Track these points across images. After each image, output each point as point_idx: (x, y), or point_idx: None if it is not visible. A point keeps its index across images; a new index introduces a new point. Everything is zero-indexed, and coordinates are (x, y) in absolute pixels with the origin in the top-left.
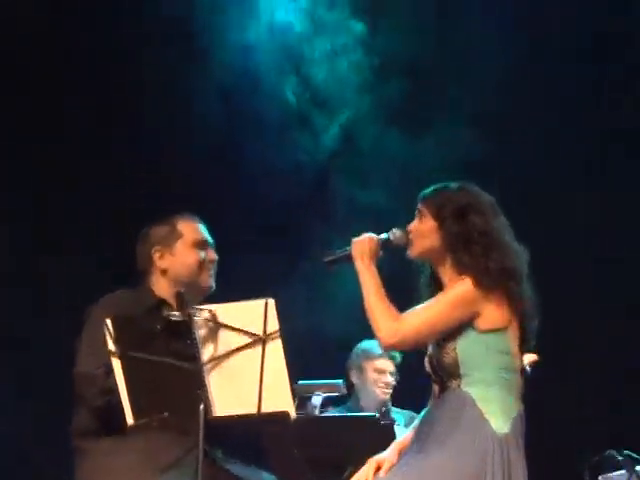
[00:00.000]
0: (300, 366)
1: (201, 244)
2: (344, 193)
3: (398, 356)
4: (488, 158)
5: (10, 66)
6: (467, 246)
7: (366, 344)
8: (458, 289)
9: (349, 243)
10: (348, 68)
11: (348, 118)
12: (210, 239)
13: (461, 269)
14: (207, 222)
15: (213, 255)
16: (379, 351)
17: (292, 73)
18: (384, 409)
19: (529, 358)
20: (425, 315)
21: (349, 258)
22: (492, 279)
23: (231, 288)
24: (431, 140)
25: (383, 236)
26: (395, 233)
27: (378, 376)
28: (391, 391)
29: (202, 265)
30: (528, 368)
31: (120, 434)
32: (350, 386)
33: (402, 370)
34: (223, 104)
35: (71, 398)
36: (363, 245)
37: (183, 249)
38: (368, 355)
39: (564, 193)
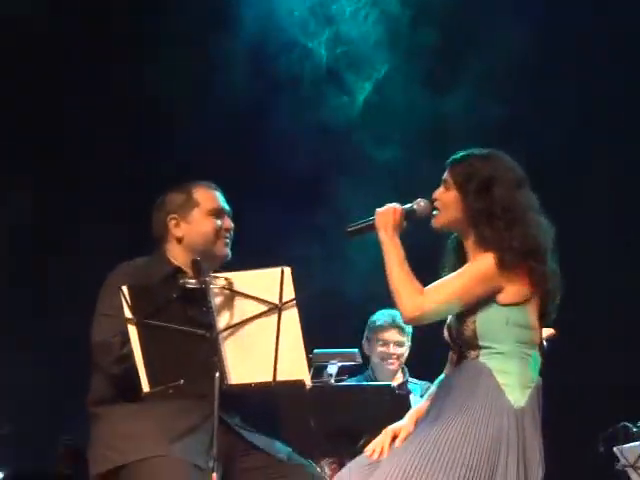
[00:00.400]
0: (317, 330)
1: (217, 212)
2: (371, 151)
3: (406, 326)
4: (513, 119)
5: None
6: (490, 220)
7: (375, 316)
8: (480, 265)
9: (373, 213)
10: (379, 20)
11: (379, 73)
12: (227, 207)
13: (483, 244)
14: (232, 179)
15: (229, 223)
16: (383, 322)
17: (323, 27)
18: (403, 380)
19: (546, 332)
20: (448, 289)
21: (372, 228)
22: (514, 257)
23: (250, 246)
24: (460, 97)
25: (407, 206)
26: (420, 203)
27: (383, 348)
28: (398, 361)
29: (218, 233)
30: (545, 342)
31: (137, 401)
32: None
33: (419, 341)
34: (251, 63)
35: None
36: (387, 216)
37: (199, 217)
38: (374, 327)
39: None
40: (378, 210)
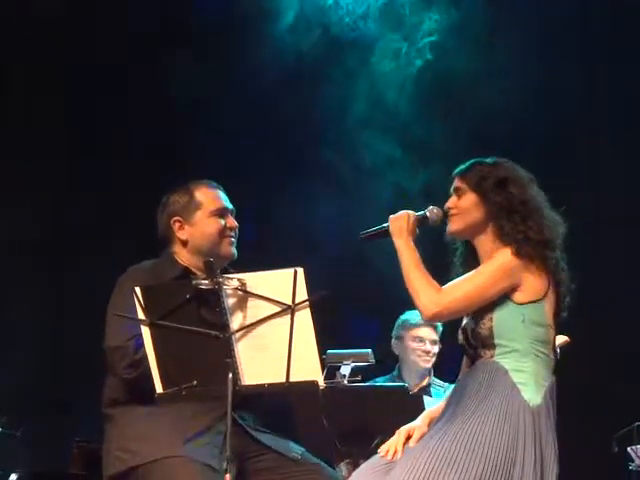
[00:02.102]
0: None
1: (221, 212)
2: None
3: (440, 325)
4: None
5: None
6: (509, 215)
7: (406, 314)
8: (499, 260)
9: (386, 220)
10: None
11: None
12: (230, 205)
13: (503, 239)
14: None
15: (233, 222)
16: (418, 320)
17: None
18: (427, 382)
19: (560, 339)
20: (467, 286)
21: (386, 234)
22: (531, 248)
23: None
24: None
25: (420, 213)
26: (432, 210)
27: (417, 344)
28: (432, 359)
29: (222, 234)
30: (558, 350)
31: (151, 402)
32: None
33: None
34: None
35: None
36: (401, 221)
37: (202, 219)
38: (407, 324)
39: None
40: (392, 216)
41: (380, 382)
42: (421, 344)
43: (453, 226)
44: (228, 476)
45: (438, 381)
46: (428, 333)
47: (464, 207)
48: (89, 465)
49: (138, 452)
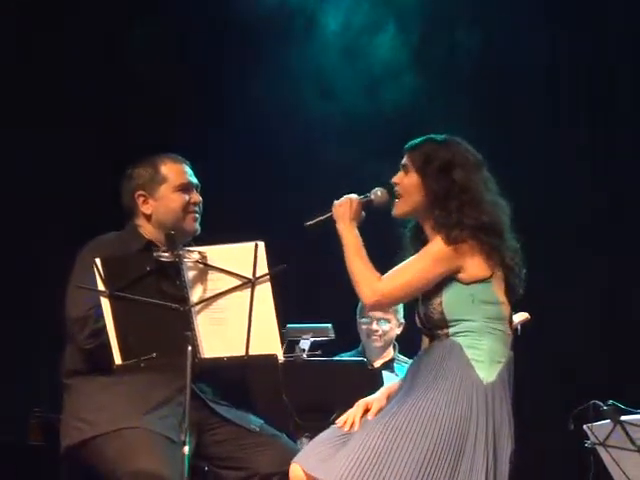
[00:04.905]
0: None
1: (185, 187)
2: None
3: None
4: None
5: None
6: (445, 202)
7: None
8: (432, 249)
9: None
10: None
11: None
12: (195, 180)
13: (436, 226)
14: None
15: (197, 197)
16: None
17: None
18: (390, 357)
19: (520, 317)
20: (405, 274)
21: (331, 220)
22: (461, 233)
23: None
24: None
25: (364, 197)
26: (377, 193)
27: (367, 325)
28: (382, 338)
29: (186, 209)
30: (519, 327)
31: (110, 373)
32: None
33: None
34: None
35: None
36: (344, 207)
37: (167, 194)
38: (360, 304)
39: None
40: (335, 202)
41: (346, 357)
42: (369, 324)
43: (398, 209)
44: (186, 448)
45: (402, 357)
46: (376, 312)
47: (406, 186)
48: (47, 436)
49: (96, 422)
